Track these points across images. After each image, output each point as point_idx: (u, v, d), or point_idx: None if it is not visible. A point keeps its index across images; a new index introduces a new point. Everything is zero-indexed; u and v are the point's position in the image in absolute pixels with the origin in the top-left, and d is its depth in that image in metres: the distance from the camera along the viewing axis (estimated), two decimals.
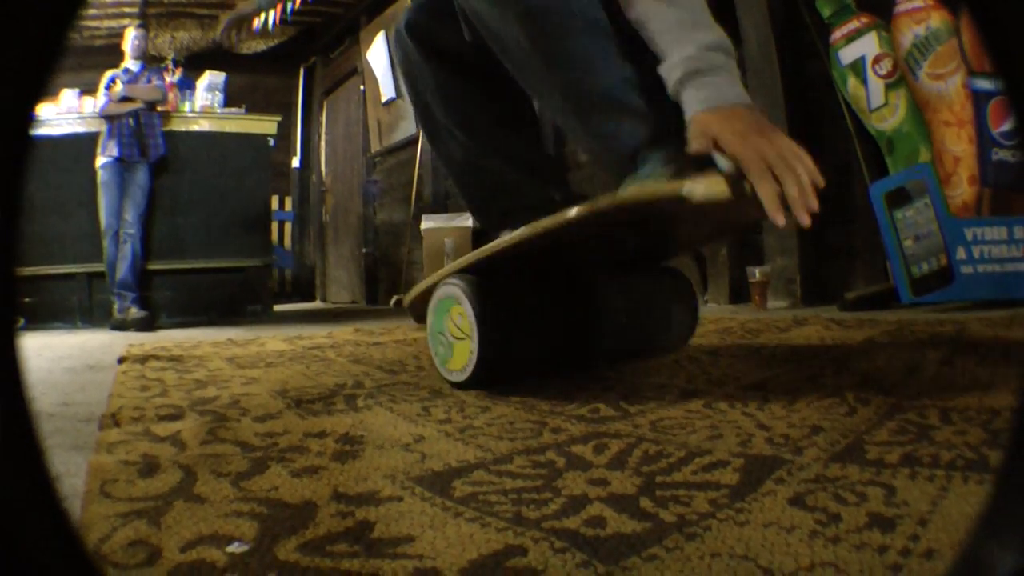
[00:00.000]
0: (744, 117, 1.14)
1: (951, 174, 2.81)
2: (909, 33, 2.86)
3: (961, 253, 2.70)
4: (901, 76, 2.92)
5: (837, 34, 3.08)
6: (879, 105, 2.98)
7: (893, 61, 2.93)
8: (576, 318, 1.58)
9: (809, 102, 3.53)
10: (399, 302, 2.02)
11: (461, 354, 1.48)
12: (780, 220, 1.06)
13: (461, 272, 1.52)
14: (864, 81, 3.00)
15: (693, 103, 1.18)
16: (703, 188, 1.10)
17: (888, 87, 2.95)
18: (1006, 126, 2.68)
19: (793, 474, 0.80)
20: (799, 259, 3.41)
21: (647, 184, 1.20)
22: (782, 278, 3.44)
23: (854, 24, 3.03)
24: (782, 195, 1.06)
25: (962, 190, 2.79)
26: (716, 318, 2.83)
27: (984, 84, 2.72)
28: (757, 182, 1.07)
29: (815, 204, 1.06)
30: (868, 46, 2.99)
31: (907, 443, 0.90)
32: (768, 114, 2.36)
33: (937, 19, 2.81)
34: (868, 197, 2.96)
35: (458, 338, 1.49)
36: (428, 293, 1.63)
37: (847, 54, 3.05)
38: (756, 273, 3.39)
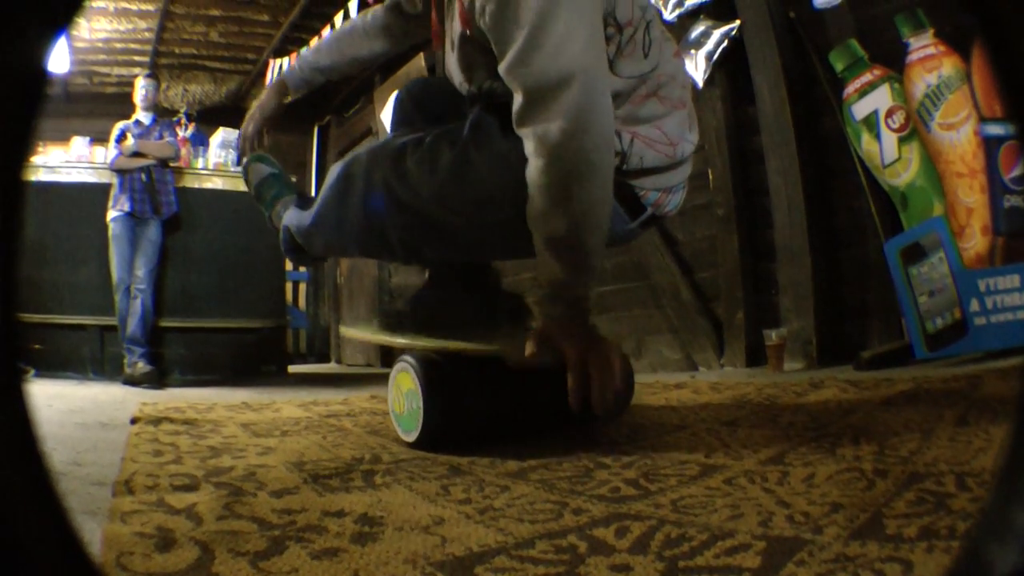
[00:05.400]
0: (575, 331, 1.44)
1: (964, 226, 2.80)
2: (921, 83, 2.86)
3: (975, 305, 2.68)
4: (914, 128, 2.91)
5: (850, 88, 3.08)
6: (892, 160, 2.97)
7: (906, 113, 2.93)
8: (515, 387, 1.79)
9: (823, 158, 3.54)
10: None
11: (413, 418, 1.72)
12: (575, 407, 1.37)
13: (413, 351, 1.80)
14: (877, 136, 3.00)
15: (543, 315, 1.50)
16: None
17: (901, 141, 2.95)
18: (1017, 171, 2.67)
19: (814, 555, 0.79)
20: (815, 320, 3.39)
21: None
22: (798, 340, 3.40)
23: (867, 77, 3.03)
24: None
25: (975, 241, 2.78)
26: (733, 383, 2.79)
27: (995, 129, 2.70)
28: (571, 376, 1.38)
29: (609, 405, 1.39)
30: (881, 99, 2.99)
31: (924, 514, 0.90)
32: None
33: (949, 65, 2.80)
34: (883, 254, 2.96)
35: (410, 405, 1.74)
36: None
37: (860, 109, 3.05)
38: (773, 336, 3.37)
